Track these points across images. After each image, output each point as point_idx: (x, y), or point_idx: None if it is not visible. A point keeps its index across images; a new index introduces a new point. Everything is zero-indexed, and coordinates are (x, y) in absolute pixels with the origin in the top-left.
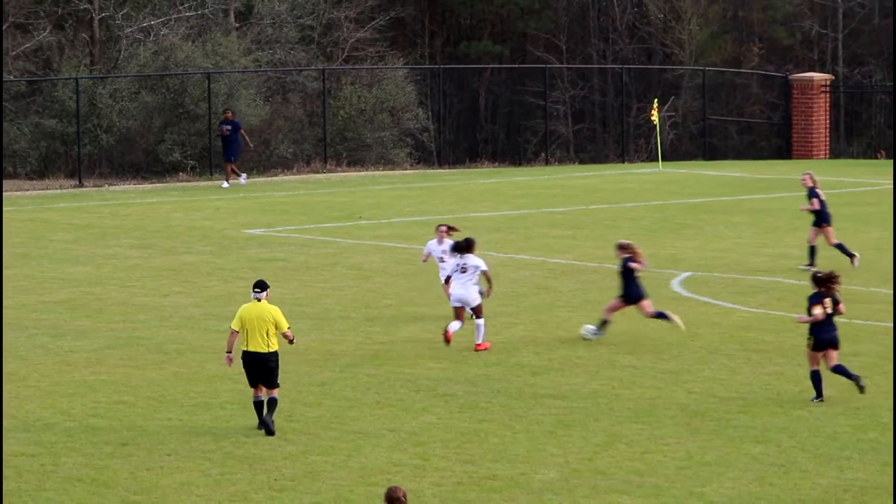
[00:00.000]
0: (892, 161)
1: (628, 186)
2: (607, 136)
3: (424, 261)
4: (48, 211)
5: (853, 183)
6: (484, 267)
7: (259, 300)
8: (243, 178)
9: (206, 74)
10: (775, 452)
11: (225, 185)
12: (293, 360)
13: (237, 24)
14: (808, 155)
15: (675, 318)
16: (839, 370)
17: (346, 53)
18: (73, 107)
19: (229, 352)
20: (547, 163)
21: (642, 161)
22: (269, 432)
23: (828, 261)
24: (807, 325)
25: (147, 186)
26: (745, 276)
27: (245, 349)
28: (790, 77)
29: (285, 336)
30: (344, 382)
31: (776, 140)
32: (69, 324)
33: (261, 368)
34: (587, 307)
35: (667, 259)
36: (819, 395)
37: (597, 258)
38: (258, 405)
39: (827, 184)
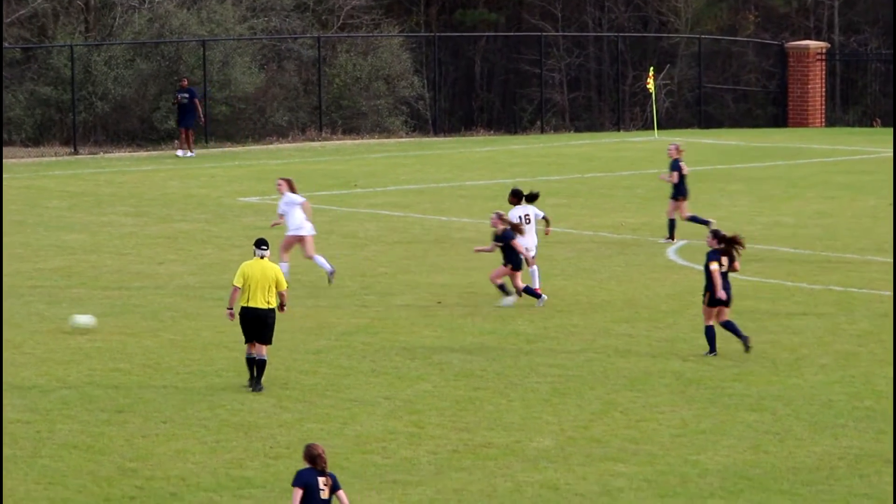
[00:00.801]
0: (889, 129)
1: (624, 155)
2: (603, 105)
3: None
4: (43, 178)
5: (849, 151)
6: (542, 213)
7: (263, 257)
8: (191, 153)
9: (200, 42)
10: (770, 420)
11: (180, 153)
12: (288, 327)
13: None
14: (803, 123)
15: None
16: (728, 326)
17: (341, 21)
18: (68, 74)
19: (230, 308)
20: (542, 131)
21: (638, 129)
22: (256, 389)
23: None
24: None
25: (142, 154)
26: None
27: (245, 305)
28: (786, 45)
29: (281, 296)
30: (339, 350)
31: (772, 108)
32: (65, 291)
33: (259, 324)
34: (582, 275)
35: (662, 227)
36: (713, 349)
37: (592, 227)
38: (251, 361)
39: (822, 152)
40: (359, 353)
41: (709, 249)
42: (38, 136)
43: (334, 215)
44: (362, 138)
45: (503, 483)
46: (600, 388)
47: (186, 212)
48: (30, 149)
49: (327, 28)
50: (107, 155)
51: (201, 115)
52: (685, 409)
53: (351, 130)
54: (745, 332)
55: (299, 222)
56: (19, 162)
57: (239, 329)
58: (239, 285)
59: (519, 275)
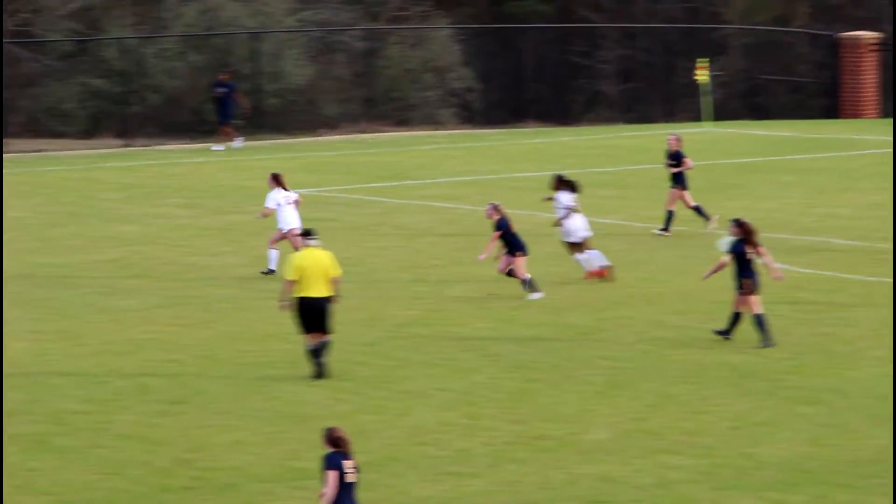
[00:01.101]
0: None
1: None
2: (654, 96)
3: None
4: (98, 170)
5: None
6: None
7: (313, 247)
8: (236, 144)
9: (251, 34)
10: (827, 413)
11: (217, 147)
12: (342, 319)
13: None
14: (857, 114)
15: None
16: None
17: (391, 13)
18: (120, 67)
19: (284, 301)
20: (593, 123)
21: (689, 121)
22: (322, 375)
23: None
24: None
25: (194, 146)
26: (794, 236)
27: (304, 296)
28: (839, 36)
29: (334, 283)
30: (393, 342)
31: (824, 99)
32: (120, 283)
33: (319, 314)
34: (635, 267)
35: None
36: (767, 340)
37: (644, 218)
38: (314, 352)
39: (876, 143)
40: (413, 344)
41: (733, 238)
42: (92, 129)
43: (385, 207)
44: (412, 130)
45: (558, 475)
46: (655, 380)
47: (238, 203)
48: (83, 140)
49: (377, 20)
50: (159, 147)
51: (245, 106)
52: (741, 402)
53: (401, 122)
54: (770, 329)
55: (290, 218)
56: (73, 154)
57: (293, 321)
58: (295, 279)
59: (524, 260)
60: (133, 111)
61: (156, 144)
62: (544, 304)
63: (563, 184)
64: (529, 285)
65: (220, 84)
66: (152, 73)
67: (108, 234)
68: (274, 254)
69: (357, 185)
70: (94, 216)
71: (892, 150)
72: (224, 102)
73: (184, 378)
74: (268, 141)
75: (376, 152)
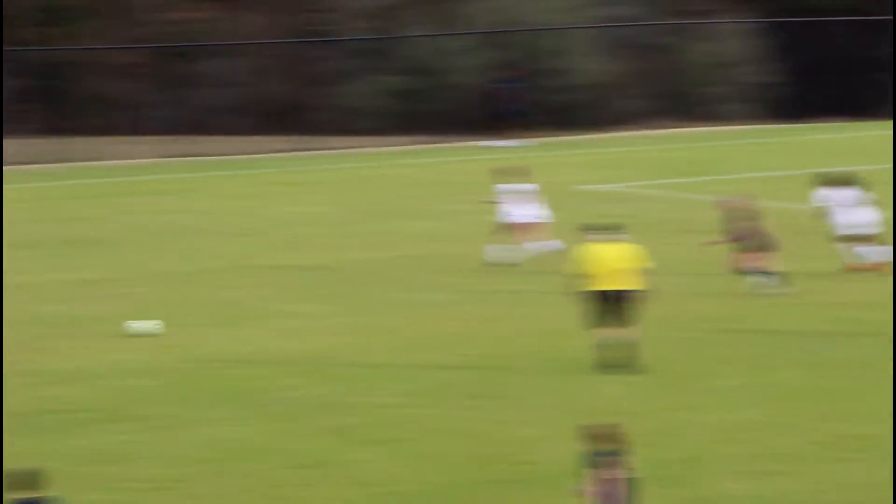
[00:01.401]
0: None
1: None
2: None
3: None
4: (395, 167)
5: None
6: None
7: (608, 241)
8: (515, 142)
9: (543, 31)
10: None
11: (496, 143)
12: (655, 315)
13: None
14: None
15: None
16: None
17: (687, 8)
18: (416, 65)
19: (571, 291)
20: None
21: None
22: (612, 368)
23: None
24: None
25: (483, 143)
26: None
27: (597, 289)
28: None
29: (635, 275)
30: (706, 339)
31: None
32: (424, 278)
33: (611, 307)
34: None
35: None
36: None
37: None
38: (606, 345)
39: None
40: (726, 341)
41: None
42: (389, 126)
43: (681, 203)
44: (707, 125)
45: (889, 474)
46: None
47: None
48: (381, 137)
49: (672, 16)
50: (456, 144)
51: (526, 105)
52: None
53: (696, 118)
54: None
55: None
56: (372, 151)
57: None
58: (586, 270)
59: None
60: (429, 108)
61: (453, 141)
62: (855, 299)
63: (828, 180)
64: (775, 279)
65: (507, 80)
66: (447, 70)
67: (410, 231)
68: (530, 246)
69: (650, 182)
70: (395, 212)
71: None
72: (510, 99)
73: (487, 372)
74: (557, 137)
75: (668, 148)
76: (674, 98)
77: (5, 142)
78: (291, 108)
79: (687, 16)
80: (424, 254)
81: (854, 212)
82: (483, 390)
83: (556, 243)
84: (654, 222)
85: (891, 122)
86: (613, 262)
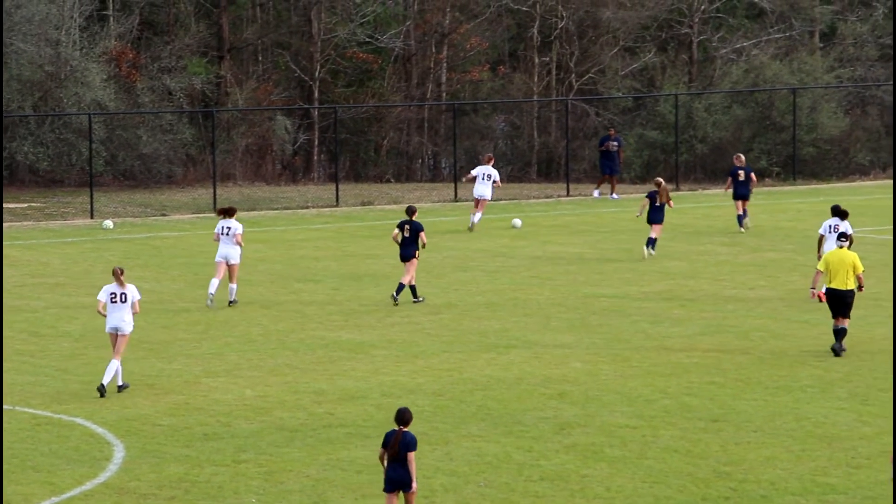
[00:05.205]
0: None
1: None
2: None
3: None
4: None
5: None
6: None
7: (842, 247)
8: (615, 195)
9: (791, 90)
10: None
11: (596, 194)
12: (857, 349)
13: (821, 45)
14: None
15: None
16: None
17: None
18: (673, 119)
19: (813, 288)
20: None
21: None
22: (838, 353)
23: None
24: None
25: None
26: None
27: (829, 286)
28: None
29: (858, 279)
30: None
31: None
32: (666, 312)
33: (840, 302)
34: None
35: None
36: None
37: None
38: (838, 332)
39: None
40: None
41: None
42: (645, 174)
43: None
44: None
45: None
46: None
47: (775, 242)
48: (637, 185)
49: None
50: (705, 191)
51: (621, 161)
52: None
53: None
54: None
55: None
56: (628, 198)
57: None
58: (822, 270)
59: None
60: (682, 159)
61: (702, 188)
62: None
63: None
64: None
65: (611, 138)
66: (700, 125)
67: (657, 269)
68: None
69: (886, 227)
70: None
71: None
72: (612, 156)
73: (722, 399)
74: (804, 186)
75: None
76: None
77: (317, 188)
78: (559, 157)
79: None
80: (670, 290)
81: None
82: (720, 414)
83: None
84: (881, 263)
85: None
86: (838, 265)
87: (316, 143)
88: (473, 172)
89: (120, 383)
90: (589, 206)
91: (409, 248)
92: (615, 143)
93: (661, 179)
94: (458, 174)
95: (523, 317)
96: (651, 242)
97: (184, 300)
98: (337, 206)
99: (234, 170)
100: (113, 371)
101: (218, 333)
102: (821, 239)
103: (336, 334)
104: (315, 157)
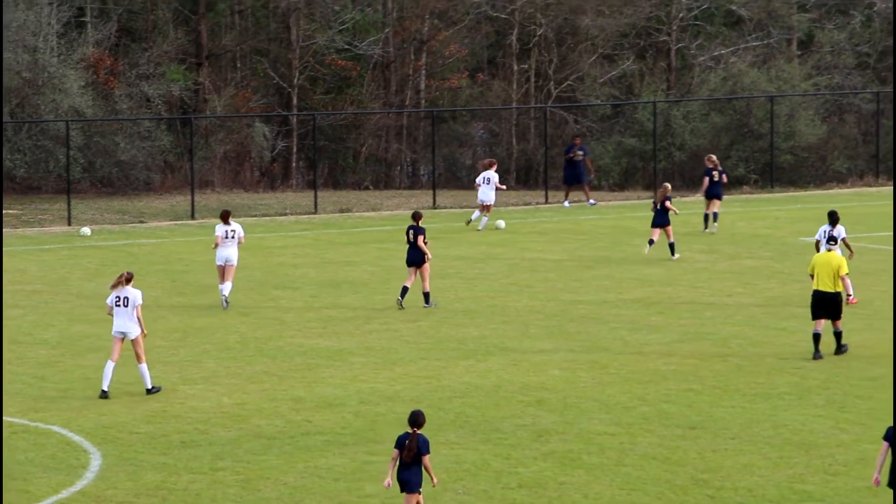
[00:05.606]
0: None
1: None
2: None
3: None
4: (627, 219)
5: None
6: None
7: (830, 250)
8: (592, 201)
9: (769, 98)
10: None
11: (567, 204)
12: (846, 355)
13: (799, 52)
14: None
15: None
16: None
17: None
18: (651, 127)
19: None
20: None
21: None
22: (840, 352)
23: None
24: None
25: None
26: None
27: (815, 288)
28: None
29: (843, 280)
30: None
31: None
32: (644, 319)
33: (827, 305)
34: None
35: None
36: None
37: None
38: (817, 337)
39: None
40: None
41: None
42: (623, 182)
43: (888, 255)
44: None
45: None
46: None
47: (753, 249)
48: (615, 193)
49: (886, 84)
50: (683, 199)
51: (591, 170)
52: None
53: None
54: None
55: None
56: (606, 205)
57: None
58: (810, 273)
59: None
60: (660, 166)
61: (679, 196)
62: None
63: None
64: None
65: (575, 147)
66: (678, 132)
67: (635, 276)
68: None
69: (862, 234)
70: (624, 260)
71: None
72: (578, 165)
73: (700, 406)
74: (781, 193)
75: (881, 204)
76: (888, 159)
77: (296, 195)
78: (538, 164)
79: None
80: (648, 297)
81: None
82: (698, 422)
83: None
84: (859, 271)
85: None
86: (823, 268)
87: (294, 150)
88: (477, 180)
89: (149, 386)
90: (567, 213)
91: (415, 253)
92: (581, 152)
93: (668, 185)
94: (437, 181)
95: (501, 324)
96: (650, 243)
97: (161, 307)
98: (315, 213)
99: (213, 177)
100: (111, 374)
101: (195, 341)
102: (817, 244)
103: (314, 341)
104: (293, 164)
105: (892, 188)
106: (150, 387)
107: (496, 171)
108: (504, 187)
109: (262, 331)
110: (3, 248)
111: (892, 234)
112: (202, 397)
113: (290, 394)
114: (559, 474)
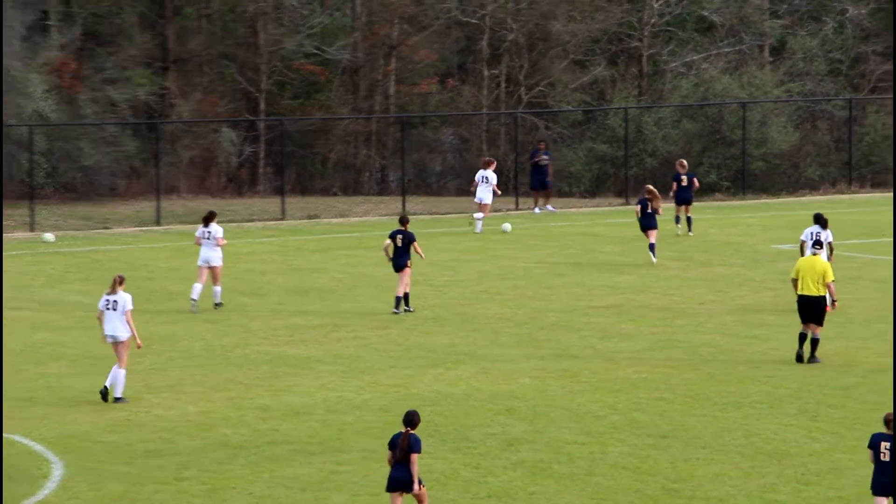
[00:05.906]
0: None
1: None
2: None
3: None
4: (598, 226)
5: None
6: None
7: (815, 254)
8: (550, 207)
9: (741, 104)
10: None
11: (537, 210)
12: (817, 365)
13: (771, 59)
14: None
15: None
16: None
17: (872, 84)
18: (622, 133)
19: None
20: None
21: None
22: (812, 361)
23: None
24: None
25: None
26: None
27: (800, 293)
28: None
29: (828, 287)
30: (866, 387)
31: None
32: (615, 327)
33: (811, 309)
34: None
35: None
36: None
37: None
38: (802, 337)
39: None
40: (888, 389)
41: None
42: (595, 188)
43: (862, 262)
44: (891, 192)
45: None
46: None
47: (725, 257)
48: (587, 199)
49: (859, 91)
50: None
51: (550, 175)
52: None
53: (880, 184)
54: None
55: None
56: (577, 211)
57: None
58: (795, 277)
59: None
60: (632, 173)
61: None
62: None
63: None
64: None
65: (540, 151)
66: (650, 139)
67: (606, 283)
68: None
69: (836, 242)
70: (594, 267)
71: None
72: (543, 170)
73: (671, 415)
74: (753, 200)
75: (854, 211)
76: (861, 166)
77: (263, 201)
78: (508, 170)
79: (878, 91)
80: (619, 304)
81: None
82: (670, 431)
83: None
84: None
85: None
86: (807, 272)
87: (262, 155)
88: (476, 178)
89: (118, 395)
90: (537, 220)
91: (401, 258)
92: (546, 157)
93: (651, 187)
94: (407, 188)
95: (471, 332)
96: (651, 248)
97: None
98: (283, 219)
99: (179, 182)
100: (114, 377)
101: (160, 348)
102: (802, 245)
103: (281, 349)
104: (261, 170)
105: (863, 195)
106: (119, 395)
107: (494, 171)
108: (500, 192)
109: (228, 338)
110: None
111: (889, 241)
112: (167, 406)
113: (256, 402)
114: (529, 484)
